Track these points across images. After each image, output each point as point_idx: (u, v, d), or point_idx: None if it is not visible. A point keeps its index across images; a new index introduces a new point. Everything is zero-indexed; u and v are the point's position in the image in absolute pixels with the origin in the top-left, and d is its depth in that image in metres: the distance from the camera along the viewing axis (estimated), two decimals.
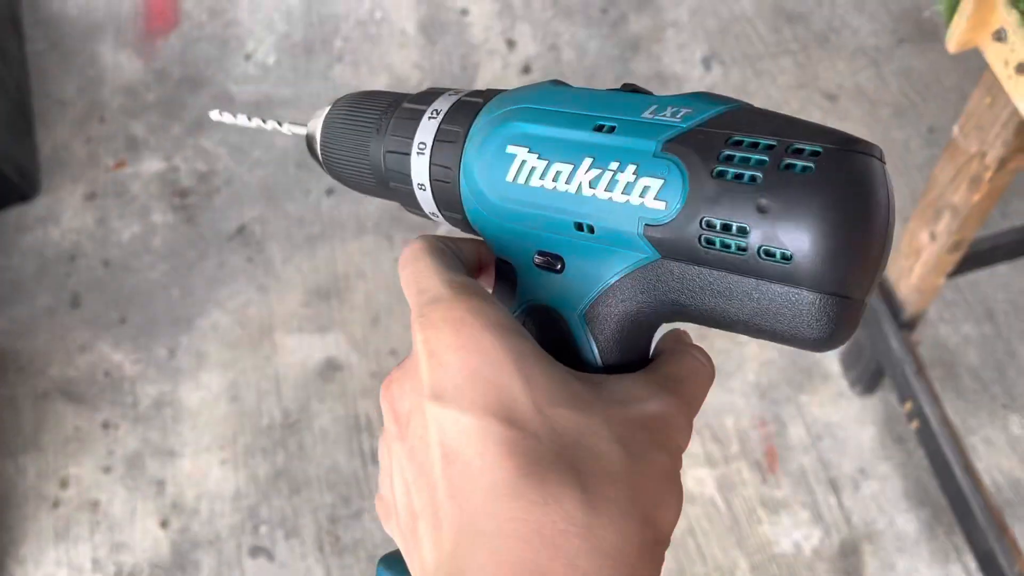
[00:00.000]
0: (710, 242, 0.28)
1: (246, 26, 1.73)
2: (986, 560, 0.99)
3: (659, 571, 0.28)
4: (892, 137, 1.47)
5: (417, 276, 0.32)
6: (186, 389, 1.40)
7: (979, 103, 0.81)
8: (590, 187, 0.30)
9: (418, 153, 0.35)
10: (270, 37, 1.71)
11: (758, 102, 1.55)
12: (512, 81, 1.60)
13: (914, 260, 0.97)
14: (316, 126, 0.41)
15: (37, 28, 1.80)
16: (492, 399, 0.28)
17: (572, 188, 0.31)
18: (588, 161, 0.30)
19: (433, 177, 0.35)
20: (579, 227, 0.31)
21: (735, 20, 1.61)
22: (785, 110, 1.53)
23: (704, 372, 0.33)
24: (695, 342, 0.34)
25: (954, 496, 1.03)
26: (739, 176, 0.27)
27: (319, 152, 0.41)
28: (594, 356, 0.33)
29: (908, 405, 1.06)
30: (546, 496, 0.26)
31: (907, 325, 1.05)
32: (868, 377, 1.22)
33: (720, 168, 0.27)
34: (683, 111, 0.29)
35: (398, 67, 1.64)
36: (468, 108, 0.35)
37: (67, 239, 1.55)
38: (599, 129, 0.31)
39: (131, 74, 1.71)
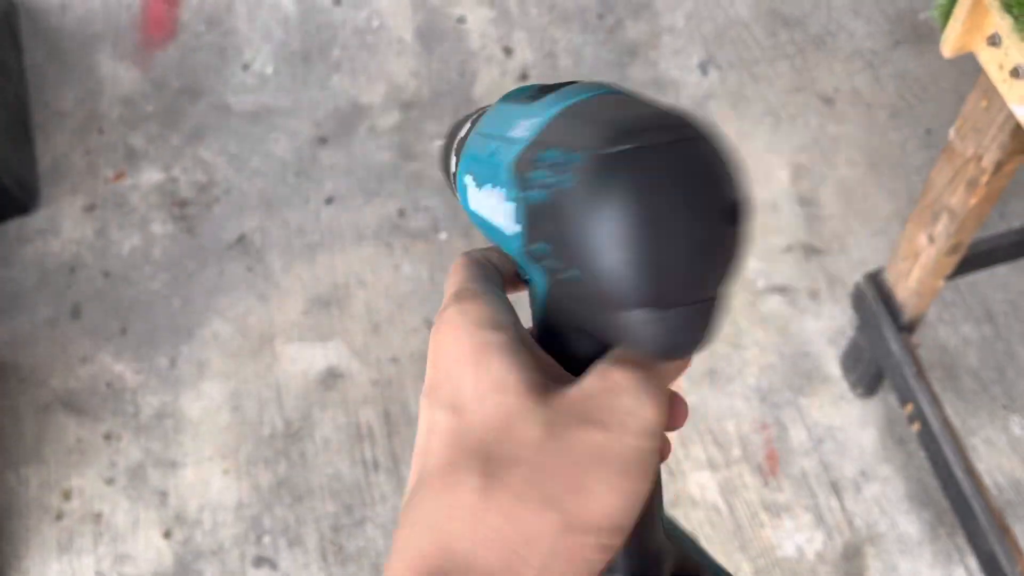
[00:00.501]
0: (538, 261, 0.30)
1: (244, 35, 1.74)
2: (988, 561, 0.99)
3: (591, 564, 0.27)
4: (889, 139, 1.47)
5: (447, 289, 0.34)
6: (187, 399, 1.40)
7: (975, 106, 0.81)
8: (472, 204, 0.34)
9: (455, 152, 0.38)
10: (268, 46, 1.72)
11: (756, 107, 1.54)
12: (510, 88, 1.60)
13: (912, 263, 0.97)
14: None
15: (35, 39, 1.80)
16: (451, 392, 0.30)
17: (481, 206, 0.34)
18: (469, 177, 0.34)
19: (456, 146, 0.38)
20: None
21: (731, 25, 1.62)
22: (782, 114, 1.53)
23: None
24: None
25: (956, 498, 1.03)
26: (546, 187, 0.27)
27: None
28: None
29: (909, 407, 1.06)
30: (448, 483, 0.28)
31: (906, 327, 1.05)
32: (868, 379, 1.22)
33: (527, 192, 0.29)
34: (531, 121, 0.30)
35: (396, 75, 1.65)
36: (472, 115, 0.38)
37: (67, 250, 1.56)
38: (491, 139, 0.34)
39: (129, 85, 1.72)
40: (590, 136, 0.25)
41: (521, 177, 0.28)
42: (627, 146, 0.25)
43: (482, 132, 0.34)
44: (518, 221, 0.29)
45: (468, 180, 0.34)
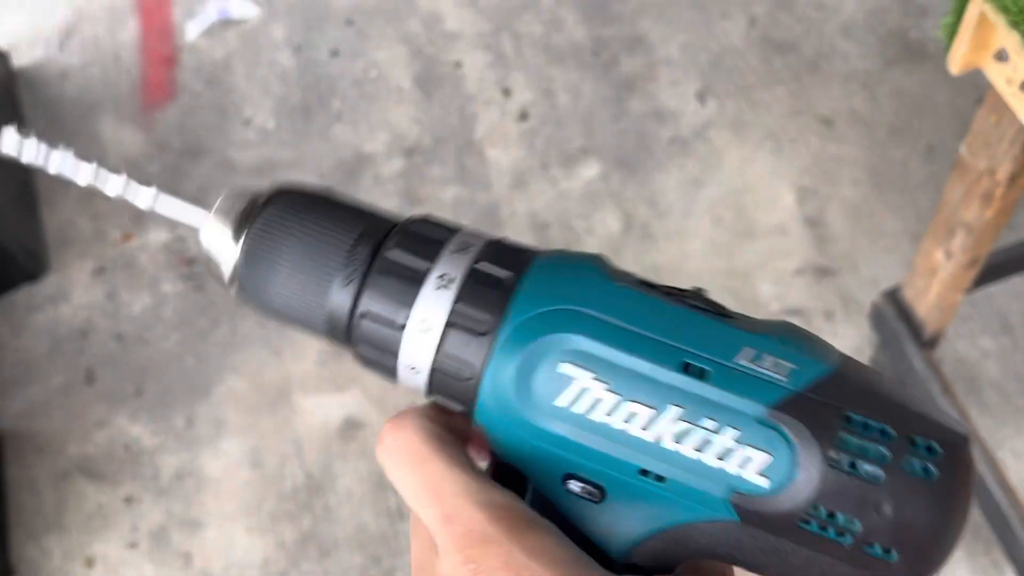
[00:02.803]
0: (806, 523, 0.26)
1: (243, 92, 1.76)
2: None
3: None
4: (891, 157, 1.49)
5: (431, 489, 0.27)
6: (207, 457, 1.39)
7: (985, 121, 0.82)
8: (674, 441, 0.26)
9: (420, 331, 0.28)
10: (268, 101, 1.73)
11: (756, 132, 1.55)
12: (510, 129, 1.62)
13: (930, 279, 0.98)
14: (225, 226, 0.31)
15: (36, 109, 1.82)
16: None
17: (649, 436, 0.26)
18: (676, 411, 0.26)
19: (438, 367, 0.28)
20: (644, 472, 0.27)
21: (726, 53, 1.64)
22: (783, 138, 1.54)
23: None
24: None
25: (991, 512, 1.02)
26: (854, 466, 0.25)
27: (238, 268, 0.31)
28: None
29: None
30: None
31: (928, 343, 1.05)
32: None
33: (837, 456, 0.25)
34: (786, 366, 0.26)
35: (397, 123, 1.66)
36: (494, 287, 0.28)
37: (78, 316, 1.55)
38: (686, 369, 0.26)
39: (132, 147, 1.73)
40: (921, 418, 0.26)
41: (815, 435, 0.25)
42: (965, 448, 0.26)
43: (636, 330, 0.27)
44: (781, 475, 0.26)
45: (595, 387, 0.27)
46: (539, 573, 0.25)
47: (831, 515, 0.25)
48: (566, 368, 0.27)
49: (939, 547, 0.26)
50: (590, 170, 1.56)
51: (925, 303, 1.01)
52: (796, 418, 0.25)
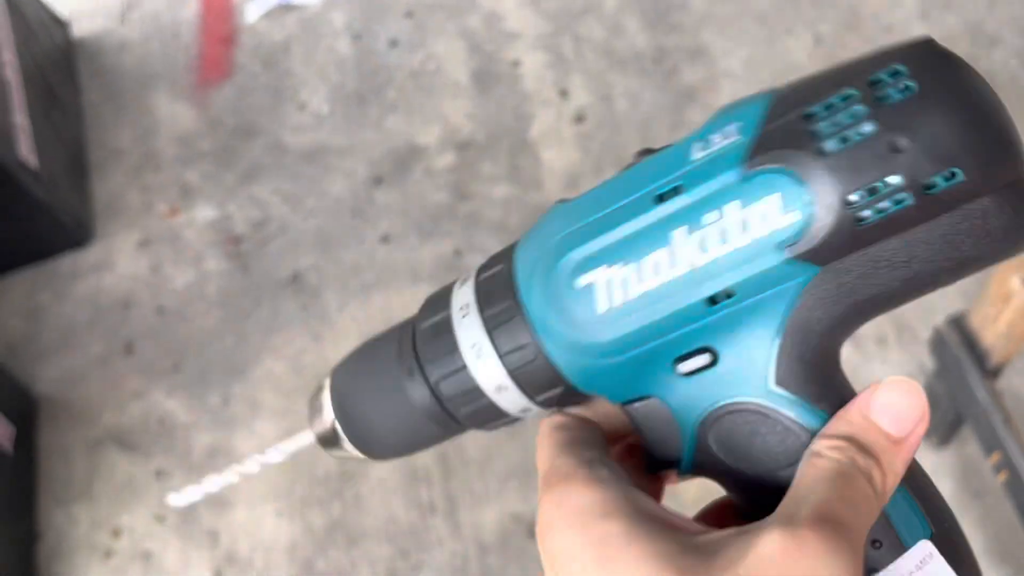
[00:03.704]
0: (863, 219, 0.25)
1: (299, 76, 1.76)
2: None
3: None
4: None
5: (539, 465, 0.31)
6: (240, 437, 1.38)
7: None
8: (702, 252, 0.26)
9: (477, 356, 0.30)
10: (324, 87, 1.73)
11: None
12: (566, 131, 1.60)
13: (1001, 306, 0.95)
14: (323, 422, 0.34)
15: (93, 79, 1.83)
16: None
17: (681, 268, 0.27)
18: (680, 231, 0.27)
19: (511, 368, 0.30)
20: (712, 301, 0.27)
21: (788, 70, 1.62)
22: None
23: (842, 471, 0.26)
24: None
25: None
26: (846, 139, 0.25)
27: (349, 442, 0.34)
28: (810, 421, 0.28)
29: (995, 457, 1.03)
30: None
31: (992, 373, 1.02)
32: (944, 428, 1.19)
33: (822, 145, 0.25)
34: (731, 127, 0.27)
35: (451, 117, 1.65)
36: (495, 280, 0.31)
37: (121, 286, 1.55)
38: (662, 198, 0.27)
39: (186, 123, 1.73)
40: (867, 64, 0.26)
41: (795, 148, 0.25)
42: (922, 49, 0.26)
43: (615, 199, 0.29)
44: (798, 198, 0.25)
45: (611, 273, 0.28)
46: (558, 523, 0.27)
47: (871, 191, 0.25)
48: (582, 280, 0.28)
49: (989, 132, 0.25)
50: None
51: (993, 331, 0.98)
52: (768, 151, 0.26)
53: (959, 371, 1.05)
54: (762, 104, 0.27)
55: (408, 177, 1.60)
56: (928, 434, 1.22)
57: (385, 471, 1.33)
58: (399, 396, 0.32)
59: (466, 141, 1.63)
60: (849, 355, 1.39)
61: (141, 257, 1.59)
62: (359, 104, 1.70)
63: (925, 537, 0.28)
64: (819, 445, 0.26)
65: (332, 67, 1.75)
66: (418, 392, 0.32)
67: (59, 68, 1.76)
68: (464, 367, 0.31)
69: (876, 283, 0.26)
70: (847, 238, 0.25)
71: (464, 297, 0.31)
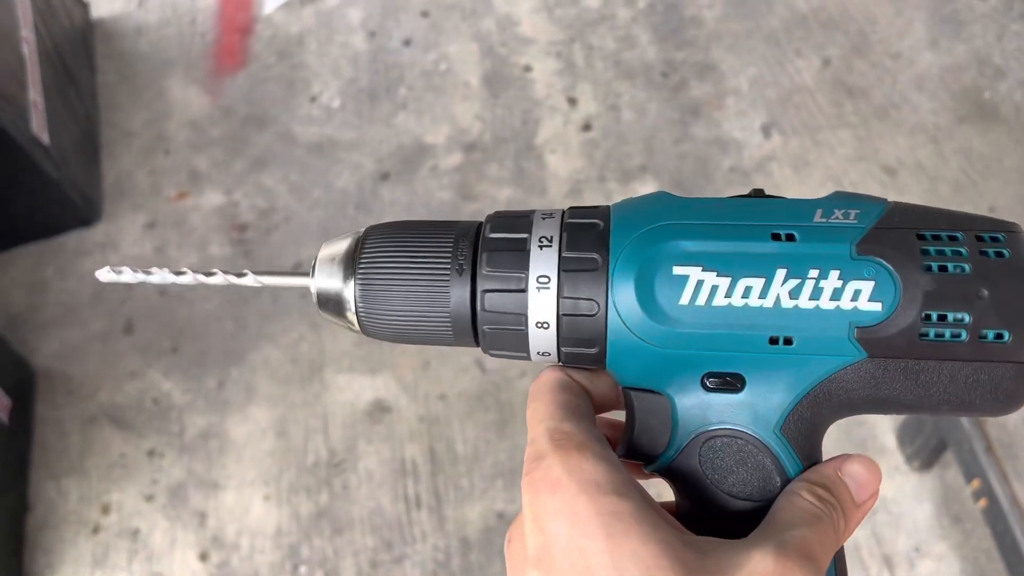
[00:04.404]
0: (925, 335, 0.29)
1: (313, 69, 1.77)
2: None
3: None
4: None
5: (533, 418, 0.32)
6: (233, 422, 1.40)
7: None
8: (791, 298, 0.30)
9: (539, 288, 0.31)
10: (336, 81, 1.75)
11: (817, 172, 1.55)
12: (572, 138, 1.62)
13: None
14: (334, 278, 0.33)
15: (109, 61, 1.85)
16: (580, 569, 0.27)
17: (768, 302, 0.30)
18: (782, 272, 0.30)
19: (564, 312, 0.31)
20: (773, 341, 0.30)
21: (795, 91, 1.64)
22: (844, 182, 1.53)
23: (820, 515, 0.30)
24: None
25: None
26: (944, 268, 0.29)
27: (357, 311, 0.33)
28: (790, 469, 0.32)
29: (975, 483, 1.04)
30: None
31: None
32: (927, 453, 1.20)
33: (928, 263, 0.29)
34: (852, 212, 0.31)
35: (461, 118, 1.67)
36: (590, 231, 0.32)
37: (124, 266, 1.57)
38: (778, 238, 0.30)
39: (198, 110, 1.75)
40: (973, 220, 0.31)
41: (904, 254, 0.30)
42: (1019, 230, 0.31)
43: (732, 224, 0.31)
44: (889, 295, 0.30)
45: (707, 276, 0.30)
46: (567, 486, 0.28)
47: (942, 317, 0.29)
48: (679, 270, 0.30)
49: None
50: (646, 187, 1.56)
51: None
52: (881, 245, 0.30)
53: None
54: (882, 207, 0.31)
55: (414, 175, 1.62)
56: (911, 458, 1.23)
57: (374, 464, 1.34)
58: (436, 287, 0.32)
59: (474, 142, 1.64)
60: None
61: (146, 238, 1.60)
62: (370, 100, 1.72)
63: None
64: (799, 487, 0.31)
65: (345, 62, 1.77)
66: (458, 292, 0.32)
67: (76, 48, 1.78)
68: (523, 291, 0.31)
69: (898, 389, 0.30)
70: (904, 344, 0.30)
71: (548, 230, 0.32)
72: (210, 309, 1.51)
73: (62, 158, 1.54)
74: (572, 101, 1.67)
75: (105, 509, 1.34)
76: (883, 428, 1.30)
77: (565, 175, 1.58)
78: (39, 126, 1.48)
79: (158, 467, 1.37)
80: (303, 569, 1.27)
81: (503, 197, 1.57)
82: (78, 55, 1.78)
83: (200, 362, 1.46)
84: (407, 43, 1.78)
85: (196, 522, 1.32)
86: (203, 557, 1.29)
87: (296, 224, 1.58)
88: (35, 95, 1.51)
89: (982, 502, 1.05)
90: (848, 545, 1.23)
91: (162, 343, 1.48)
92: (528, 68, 1.72)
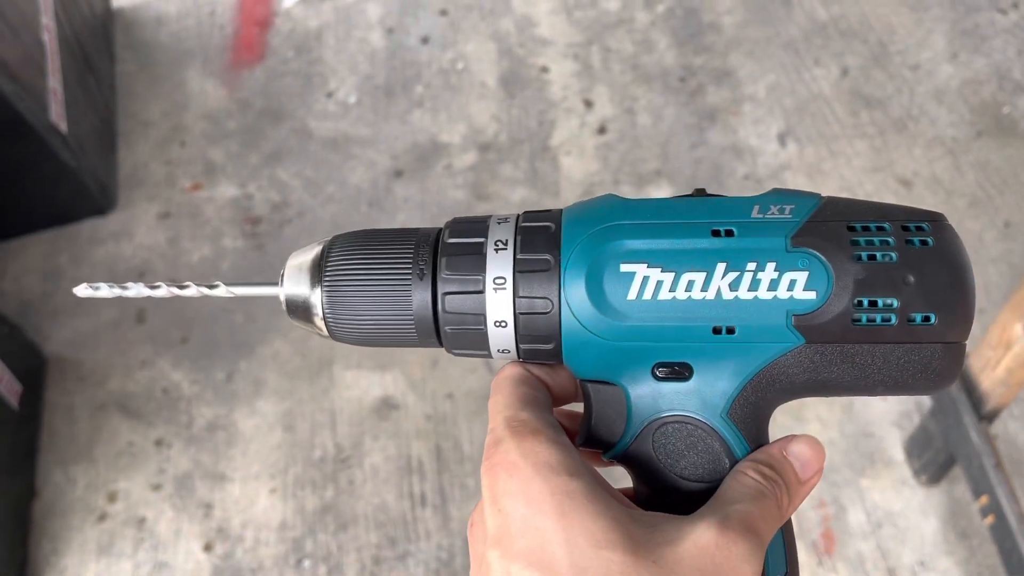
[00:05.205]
0: (858, 320, 0.31)
1: (330, 65, 1.78)
2: None
3: None
4: (966, 228, 1.47)
5: (493, 409, 0.34)
6: (241, 414, 1.41)
7: None
8: (731, 290, 0.32)
9: (496, 289, 0.33)
10: (353, 77, 1.75)
11: (832, 182, 1.55)
12: (587, 141, 1.62)
13: (1003, 352, 0.96)
14: (301, 286, 0.35)
15: (128, 51, 1.86)
16: (535, 546, 0.29)
17: (710, 295, 0.32)
18: (722, 266, 0.32)
19: (520, 311, 0.33)
20: (717, 331, 0.32)
21: (812, 100, 1.63)
22: (859, 192, 1.53)
23: (763, 491, 0.32)
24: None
25: None
26: (873, 257, 0.31)
27: (324, 316, 0.35)
28: (737, 451, 0.34)
29: (984, 500, 1.04)
30: None
31: (987, 417, 1.03)
32: (935, 468, 1.20)
33: (858, 253, 0.31)
34: (787, 207, 0.32)
35: (476, 117, 1.67)
36: (542, 234, 0.34)
37: (138, 255, 1.58)
38: (717, 234, 0.32)
39: (215, 102, 1.76)
40: (897, 210, 0.33)
41: (835, 245, 0.32)
42: (942, 220, 0.33)
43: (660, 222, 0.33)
44: (823, 284, 0.32)
45: (652, 272, 0.32)
46: (523, 468, 0.30)
47: (872, 303, 0.31)
48: (626, 267, 0.32)
49: (964, 299, 0.32)
50: (660, 192, 1.56)
51: (991, 376, 1.00)
52: (814, 237, 0.32)
53: (955, 413, 1.06)
54: (815, 201, 0.33)
55: (429, 172, 1.62)
56: (919, 472, 1.23)
57: (380, 460, 1.35)
58: (399, 292, 0.34)
59: (489, 142, 1.64)
60: None
61: (160, 229, 1.61)
62: (386, 97, 1.72)
63: (781, 573, 0.33)
64: (745, 467, 0.33)
65: (363, 58, 1.78)
66: (420, 295, 0.34)
67: (96, 36, 1.79)
68: (480, 292, 0.33)
69: (835, 372, 0.32)
70: (839, 329, 0.32)
71: (503, 234, 0.34)
72: (221, 301, 1.52)
73: (79, 147, 1.55)
74: (588, 104, 1.67)
75: (112, 497, 1.35)
76: (891, 441, 1.30)
77: (579, 177, 1.58)
78: (58, 114, 1.49)
79: (165, 457, 1.38)
80: (307, 563, 1.28)
81: (516, 197, 1.57)
82: (98, 44, 1.78)
83: (209, 354, 1.47)
84: (425, 41, 1.78)
85: (202, 513, 1.33)
86: (208, 548, 1.30)
87: (309, 219, 1.59)
88: (54, 83, 1.52)
89: (989, 519, 1.04)
90: (852, 558, 1.22)
91: (173, 334, 1.49)
92: (545, 69, 1.72)
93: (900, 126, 1.59)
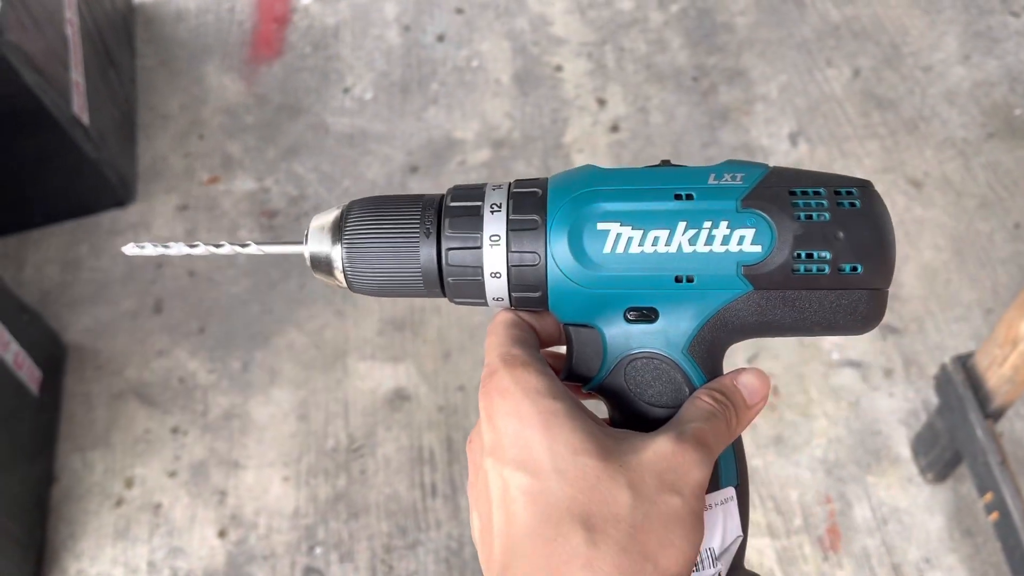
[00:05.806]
0: (796, 269, 0.37)
1: (347, 61, 1.80)
2: None
3: None
4: (976, 228, 1.48)
5: (489, 347, 0.39)
6: (256, 403, 1.43)
7: None
8: (690, 244, 0.37)
9: (492, 245, 0.38)
10: (369, 74, 1.78)
11: None
12: (600, 139, 1.64)
13: (1009, 350, 0.97)
14: (323, 244, 0.40)
15: (149, 45, 1.88)
16: (524, 455, 0.35)
17: (672, 248, 0.37)
18: (683, 224, 0.37)
19: (513, 264, 0.38)
20: (678, 279, 0.38)
21: (824, 100, 1.64)
22: None
23: (715, 413, 0.37)
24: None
25: None
26: (810, 216, 0.37)
27: (344, 269, 0.40)
28: (696, 381, 0.39)
29: (989, 497, 1.05)
30: (551, 538, 0.33)
31: (993, 415, 1.04)
32: (941, 465, 1.21)
33: (797, 213, 0.37)
34: (739, 175, 0.38)
35: (490, 114, 1.69)
36: (530, 198, 0.39)
37: (146, 241, 1.60)
38: (679, 197, 0.37)
39: (233, 96, 1.78)
40: (831, 178, 0.38)
41: (778, 207, 0.37)
42: (868, 185, 0.38)
43: (627, 188, 0.39)
44: (767, 240, 0.37)
45: (624, 230, 0.38)
46: (514, 392, 0.36)
47: (809, 255, 0.37)
48: (602, 225, 0.38)
49: (885, 252, 0.37)
50: None
51: (998, 374, 1.01)
52: (761, 200, 0.37)
53: (961, 410, 1.07)
54: (763, 170, 0.38)
55: (443, 168, 1.64)
56: (925, 469, 1.24)
57: (392, 451, 1.37)
58: (409, 249, 0.39)
59: (502, 139, 1.66)
60: (855, 384, 1.40)
61: (178, 220, 1.64)
62: (402, 93, 1.74)
63: (732, 485, 0.39)
64: (701, 393, 0.39)
65: (379, 55, 1.80)
66: (427, 251, 0.39)
67: (118, 31, 1.81)
68: (479, 247, 0.38)
69: (778, 314, 0.38)
70: (781, 277, 0.37)
71: (497, 198, 0.39)
72: (237, 292, 1.54)
73: (101, 139, 1.57)
74: (601, 102, 1.69)
75: (128, 483, 1.38)
76: (898, 439, 1.31)
77: None
78: (80, 106, 1.52)
79: (181, 444, 1.40)
80: (318, 550, 1.30)
81: None
82: (119, 38, 1.81)
83: (226, 343, 1.49)
84: (440, 39, 1.80)
85: (216, 500, 1.35)
86: (222, 534, 1.32)
87: None
88: (77, 76, 1.54)
89: (994, 516, 1.05)
90: (858, 553, 1.24)
91: (190, 323, 1.51)
92: (559, 68, 1.74)
93: (911, 127, 1.60)
